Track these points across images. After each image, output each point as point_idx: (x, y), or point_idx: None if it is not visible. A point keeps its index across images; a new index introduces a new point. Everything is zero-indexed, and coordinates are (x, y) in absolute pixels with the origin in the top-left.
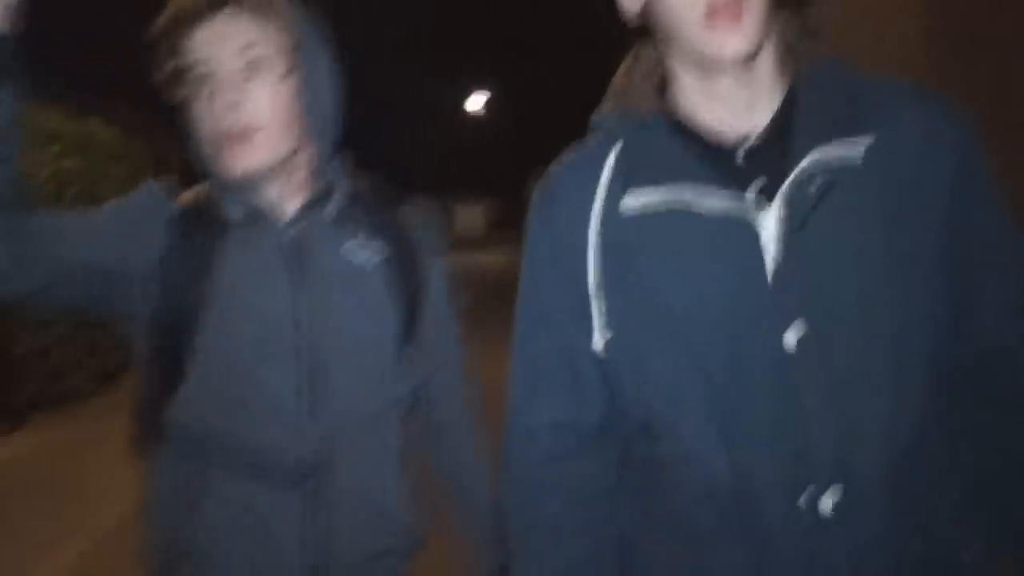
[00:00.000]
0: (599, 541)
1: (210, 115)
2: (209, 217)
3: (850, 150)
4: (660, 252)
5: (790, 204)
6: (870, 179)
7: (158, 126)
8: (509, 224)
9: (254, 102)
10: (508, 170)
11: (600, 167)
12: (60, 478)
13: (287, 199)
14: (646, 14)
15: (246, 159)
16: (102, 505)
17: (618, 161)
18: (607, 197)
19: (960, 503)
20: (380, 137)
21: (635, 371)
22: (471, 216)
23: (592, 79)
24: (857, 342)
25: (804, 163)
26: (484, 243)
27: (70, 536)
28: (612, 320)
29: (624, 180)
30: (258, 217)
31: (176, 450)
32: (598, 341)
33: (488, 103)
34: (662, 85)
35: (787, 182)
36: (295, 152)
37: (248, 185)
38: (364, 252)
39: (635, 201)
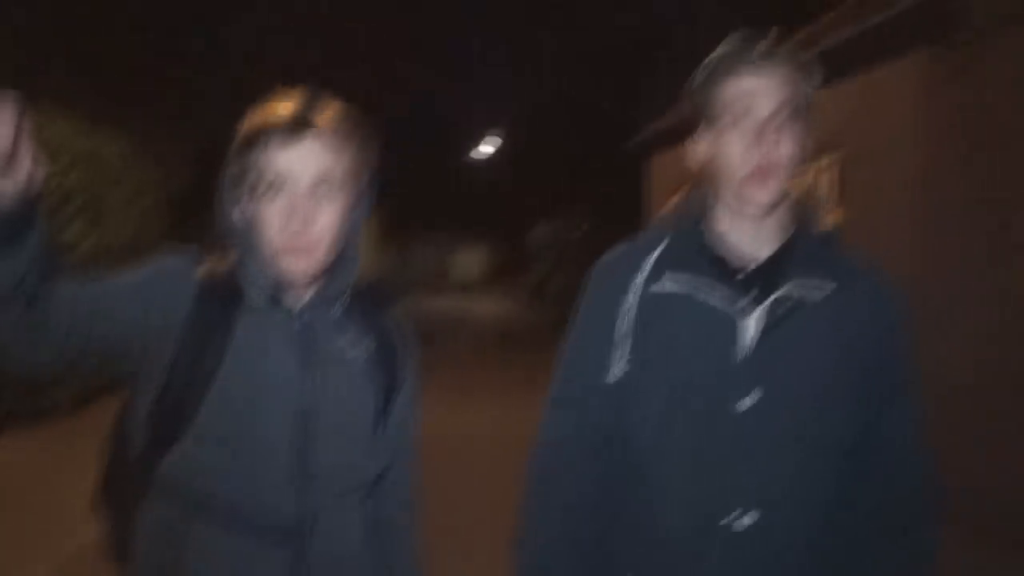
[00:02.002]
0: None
1: (279, 223)
2: (229, 291)
3: (818, 290)
4: (671, 323)
5: (768, 313)
6: (826, 313)
7: (168, 145)
8: (507, 272)
9: (322, 222)
10: (510, 219)
11: (649, 254)
12: (29, 496)
13: (303, 289)
14: (707, 162)
15: (304, 266)
16: (68, 529)
17: (662, 253)
18: (648, 276)
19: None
20: (384, 174)
21: (635, 402)
22: (469, 260)
23: (596, 140)
24: (792, 417)
25: (785, 289)
26: (481, 289)
27: (32, 559)
28: (628, 361)
29: (663, 267)
30: (277, 303)
31: (162, 502)
32: (615, 375)
33: (498, 151)
34: (705, 211)
35: (770, 299)
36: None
37: (285, 281)
38: (356, 348)
39: (665, 284)
